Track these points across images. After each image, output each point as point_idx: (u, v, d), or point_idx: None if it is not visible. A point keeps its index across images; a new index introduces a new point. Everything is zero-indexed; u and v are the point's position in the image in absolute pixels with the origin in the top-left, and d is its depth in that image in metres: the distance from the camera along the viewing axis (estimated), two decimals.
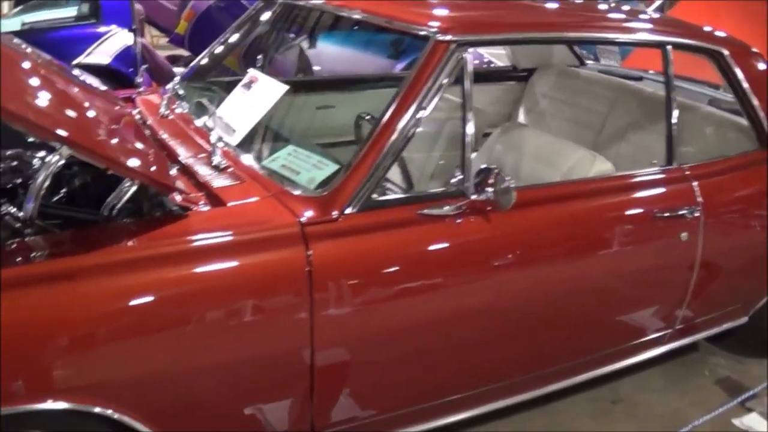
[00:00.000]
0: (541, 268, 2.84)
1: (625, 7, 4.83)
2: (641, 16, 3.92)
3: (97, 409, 2.13)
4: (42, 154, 2.82)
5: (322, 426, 2.57)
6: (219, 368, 2.30)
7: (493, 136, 3.61)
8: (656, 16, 4.41)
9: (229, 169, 2.65)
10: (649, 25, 3.44)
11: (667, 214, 3.06)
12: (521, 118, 4.34)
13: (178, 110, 3.20)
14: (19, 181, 2.71)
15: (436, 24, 2.72)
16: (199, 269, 2.25)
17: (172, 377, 2.26)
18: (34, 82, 2.46)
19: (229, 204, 2.45)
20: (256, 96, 2.89)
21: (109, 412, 2.15)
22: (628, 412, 3.49)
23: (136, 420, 2.19)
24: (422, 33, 2.70)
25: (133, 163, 2.33)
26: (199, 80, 3.62)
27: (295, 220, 2.36)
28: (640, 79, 4.21)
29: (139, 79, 3.48)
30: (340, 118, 3.82)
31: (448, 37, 2.63)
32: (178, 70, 3.99)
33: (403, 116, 2.54)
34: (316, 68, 5.83)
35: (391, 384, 2.70)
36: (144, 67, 3.57)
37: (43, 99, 2.41)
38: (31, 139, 2.89)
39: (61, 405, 2.09)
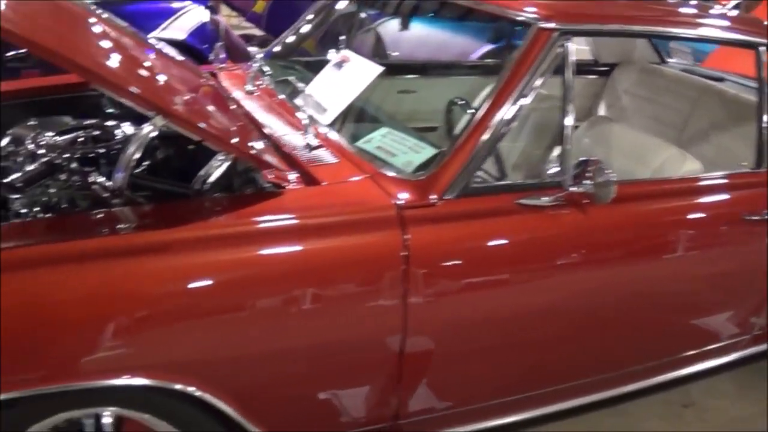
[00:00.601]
0: (633, 265, 2.79)
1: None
2: (733, 16, 3.80)
3: (179, 386, 2.11)
4: (125, 124, 2.81)
5: (405, 415, 2.53)
6: (306, 350, 2.27)
7: (581, 129, 3.53)
8: (746, 16, 4.27)
9: (322, 148, 2.60)
10: (743, 26, 3.34)
11: (755, 218, 2.98)
12: (601, 112, 4.24)
13: (264, 86, 3.16)
14: (101, 151, 2.69)
15: (538, 11, 2.65)
16: (290, 249, 2.21)
17: (259, 358, 2.22)
18: (132, 53, 2.40)
19: (324, 183, 2.39)
20: (349, 76, 2.86)
21: (191, 389, 2.12)
22: (699, 416, 3.43)
23: (218, 398, 2.16)
24: (524, 19, 2.63)
25: (231, 137, 2.31)
26: (282, 59, 3.58)
27: (393, 202, 2.32)
28: (721, 80, 4.08)
29: (215, 56, 3.40)
30: (422, 102, 3.77)
31: (551, 25, 2.57)
32: (252, 49, 3.92)
33: (504, 104, 2.49)
34: (394, 53, 5.75)
35: (474, 376, 2.66)
36: (220, 44, 3.50)
37: (144, 71, 2.38)
38: (109, 110, 2.85)
39: (142, 381, 2.07)
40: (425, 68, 4.28)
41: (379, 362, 2.39)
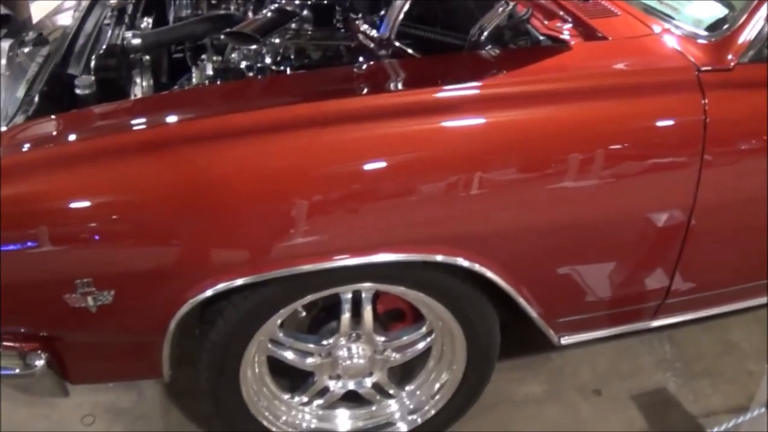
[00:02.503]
0: None
1: None
2: None
3: (440, 258, 1.95)
4: None
5: (674, 294, 2.33)
6: (584, 224, 2.07)
7: None
8: None
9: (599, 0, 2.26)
10: None
11: None
12: None
13: None
14: None
15: None
16: (577, 110, 1.97)
17: (528, 231, 2.04)
18: None
19: (609, 38, 2.09)
20: None
21: (459, 260, 1.96)
22: None
23: (489, 269, 2.00)
24: None
25: None
26: None
27: (691, 63, 2.02)
28: None
29: None
30: None
31: None
32: None
33: None
34: None
35: (746, 254, 2.41)
36: None
37: None
38: None
39: (407, 256, 1.93)
40: None
41: (664, 237, 2.17)
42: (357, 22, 2.27)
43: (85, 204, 1.76)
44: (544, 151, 1.91)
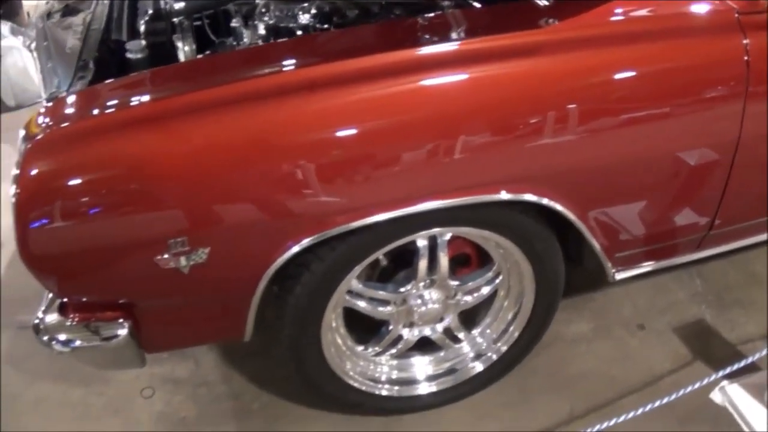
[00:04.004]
0: None
1: None
2: None
3: (529, 197, 2.00)
4: None
5: (717, 226, 2.41)
6: (641, 159, 2.13)
7: None
8: None
9: None
10: None
11: None
12: None
13: None
14: None
15: None
16: (627, 51, 2.02)
17: (594, 168, 2.09)
18: None
19: None
20: None
21: (527, 195, 2.02)
22: None
23: (559, 203, 2.06)
24: None
25: None
26: None
27: (731, 6, 2.09)
28: None
29: None
30: None
31: None
32: None
33: None
34: None
35: None
36: None
37: None
38: None
39: (500, 196, 1.96)
40: None
41: (711, 170, 2.24)
42: None
43: (180, 161, 1.75)
44: (604, 91, 1.97)
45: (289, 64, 1.98)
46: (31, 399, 2.60)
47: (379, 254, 2.05)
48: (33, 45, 3.77)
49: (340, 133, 1.80)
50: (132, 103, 1.86)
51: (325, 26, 2.39)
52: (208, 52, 2.42)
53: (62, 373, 2.64)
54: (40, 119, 1.84)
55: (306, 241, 1.88)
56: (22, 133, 1.85)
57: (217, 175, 1.75)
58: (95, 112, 1.86)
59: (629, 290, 2.87)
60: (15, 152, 3.96)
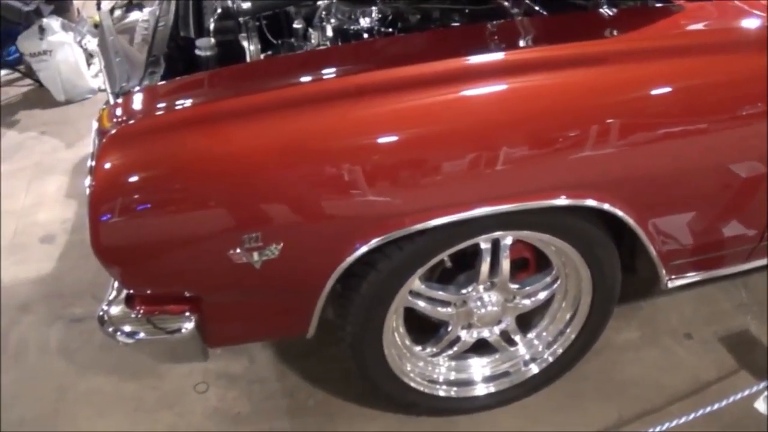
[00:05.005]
0: None
1: None
2: None
3: (590, 202, 2.02)
4: None
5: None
6: (700, 170, 2.15)
7: None
8: None
9: None
10: None
11: None
12: None
13: None
14: None
15: None
16: (691, 63, 2.03)
17: (655, 174, 2.11)
18: None
19: None
20: None
21: (588, 201, 2.04)
22: None
23: (620, 209, 2.07)
24: None
25: None
26: None
27: None
28: None
29: None
30: None
31: None
32: None
33: None
34: None
35: None
36: None
37: None
38: None
39: (561, 201, 1.98)
40: None
41: (761, 184, 2.26)
42: None
43: (258, 158, 1.78)
44: (663, 102, 1.98)
45: (345, 69, 2.02)
46: (83, 391, 2.63)
47: (444, 255, 2.05)
48: (83, 41, 3.82)
49: (402, 138, 1.83)
50: (201, 102, 1.91)
51: (389, 30, 2.39)
52: (269, 53, 2.43)
53: (114, 366, 2.66)
54: (113, 113, 1.87)
55: (375, 241, 1.89)
56: (95, 125, 1.86)
57: (289, 175, 1.79)
58: (166, 109, 1.89)
59: (676, 299, 2.89)
60: (64, 146, 4.04)
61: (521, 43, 2.12)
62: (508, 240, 2.14)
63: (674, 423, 2.20)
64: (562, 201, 1.98)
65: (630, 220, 2.10)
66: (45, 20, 4.33)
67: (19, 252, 3.27)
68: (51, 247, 3.28)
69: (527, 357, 2.45)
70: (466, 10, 2.49)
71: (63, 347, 2.77)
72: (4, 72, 4.71)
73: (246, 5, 2.31)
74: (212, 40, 2.14)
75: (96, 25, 4.35)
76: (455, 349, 2.36)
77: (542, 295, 2.34)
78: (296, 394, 2.54)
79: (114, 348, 2.43)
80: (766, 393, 2.32)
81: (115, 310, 2.02)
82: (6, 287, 3.09)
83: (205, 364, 2.57)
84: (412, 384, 2.32)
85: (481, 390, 2.43)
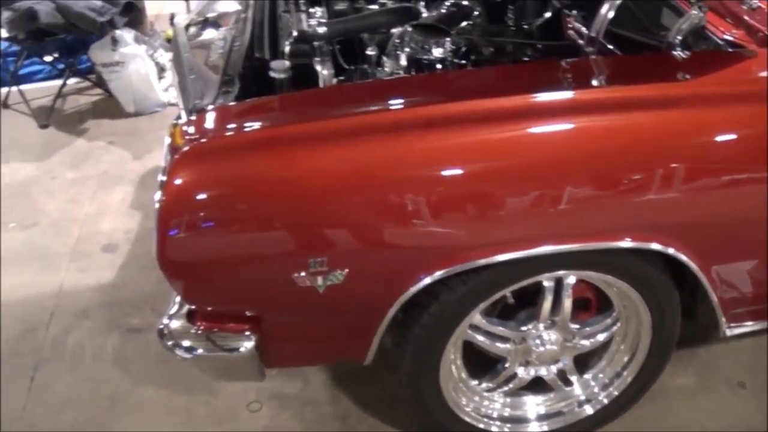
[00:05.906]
0: None
1: None
2: None
3: (655, 246, 2.00)
4: None
5: None
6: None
7: None
8: None
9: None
10: None
11: None
12: None
13: None
14: None
15: None
16: (751, 112, 2.00)
17: (723, 223, 2.10)
18: None
19: None
20: None
21: (653, 245, 2.02)
22: None
23: (684, 254, 2.06)
24: None
25: None
26: None
27: None
28: None
29: None
30: None
31: None
32: None
33: None
34: None
35: None
36: None
37: None
38: None
39: (626, 243, 1.97)
40: None
41: None
42: (569, 18, 2.27)
43: (324, 183, 1.81)
44: (731, 148, 1.98)
45: (415, 100, 2.04)
46: (135, 401, 2.66)
47: (507, 291, 2.05)
48: (155, 54, 3.88)
49: (467, 172, 1.84)
50: (273, 125, 1.95)
51: (462, 62, 2.40)
52: (342, 78, 2.45)
53: (168, 378, 2.69)
54: (186, 131, 1.90)
55: (439, 273, 1.90)
56: (167, 141, 1.90)
57: (355, 201, 1.81)
58: (238, 129, 1.93)
59: (732, 347, 2.86)
60: (131, 157, 4.11)
61: (592, 82, 2.12)
62: (571, 279, 2.12)
63: None
64: (627, 243, 1.96)
65: (694, 266, 2.07)
66: (118, 32, 4.40)
67: (81, 259, 3.32)
68: (113, 256, 3.32)
69: (582, 397, 2.44)
70: (539, 46, 2.49)
71: (118, 356, 2.80)
72: (75, 80, 4.78)
73: (322, 30, 2.34)
74: (287, 62, 2.16)
75: (169, 40, 4.42)
76: (511, 385, 2.35)
77: (601, 337, 2.32)
78: (348, 418, 2.54)
79: (169, 361, 2.47)
80: None
81: (176, 324, 2.04)
82: (66, 293, 3.13)
83: (259, 383, 2.57)
84: (467, 419, 2.32)
85: (534, 428, 2.42)
